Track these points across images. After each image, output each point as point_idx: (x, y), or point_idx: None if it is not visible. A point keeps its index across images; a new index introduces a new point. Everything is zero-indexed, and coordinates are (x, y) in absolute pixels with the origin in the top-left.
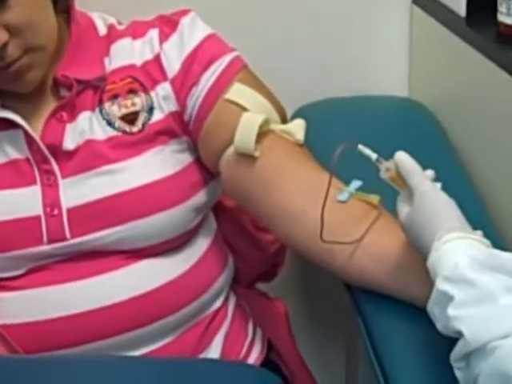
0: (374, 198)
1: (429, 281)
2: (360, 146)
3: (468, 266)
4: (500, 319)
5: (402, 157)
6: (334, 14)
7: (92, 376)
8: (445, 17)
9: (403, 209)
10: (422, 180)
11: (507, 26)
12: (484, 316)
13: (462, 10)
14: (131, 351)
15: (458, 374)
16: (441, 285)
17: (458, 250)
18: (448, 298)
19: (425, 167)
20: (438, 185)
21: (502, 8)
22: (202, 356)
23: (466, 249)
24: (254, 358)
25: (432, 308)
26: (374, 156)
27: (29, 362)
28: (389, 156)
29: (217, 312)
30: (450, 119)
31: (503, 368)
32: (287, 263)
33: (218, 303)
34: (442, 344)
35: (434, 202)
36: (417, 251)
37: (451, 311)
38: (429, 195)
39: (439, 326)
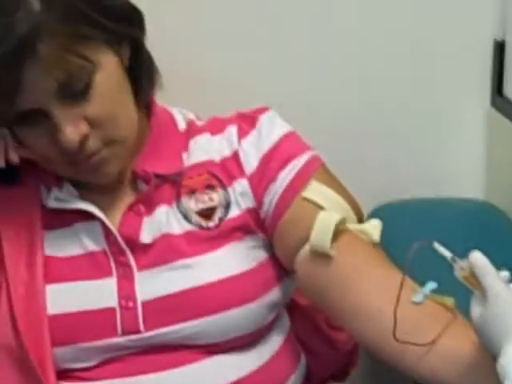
0: (449, 301)
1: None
2: (435, 244)
3: None
4: None
5: (477, 256)
6: (412, 120)
7: None
8: None
9: (476, 309)
10: (496, 281)
11: None
12: None
13: None
14: None
15: None
16: None
17: None
18: None
19: (500, 269)
20: None
21: None
22: None
23: None
24: None
25: None
26: (448, 255)
27: None
28: (464, 257)
29: None
30: None
31: None
32: (360, 363)
33: None
34: None
35: (507, 304)
36: (487, 352)
37: None
38: (502, 297)
39: None
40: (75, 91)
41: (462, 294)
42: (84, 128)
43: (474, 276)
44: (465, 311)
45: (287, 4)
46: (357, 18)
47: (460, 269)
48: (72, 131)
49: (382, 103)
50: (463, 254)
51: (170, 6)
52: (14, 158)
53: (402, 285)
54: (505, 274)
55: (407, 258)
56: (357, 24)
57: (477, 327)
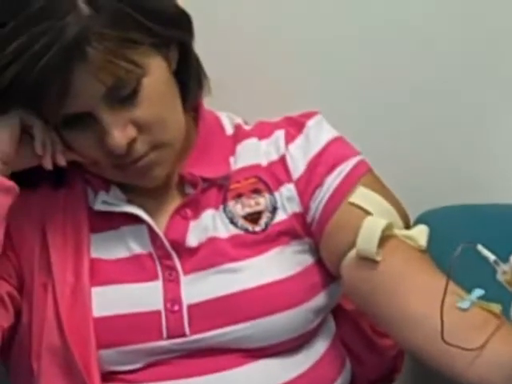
0: (496, 308)
1: None
2: (479, 246)
3: None
4: None
5: None
6: (471, 116)
7: None
8: None
9: None
10: None
11: None
12: None
13: None
14: None
15: None
16: None
17: None
18: None
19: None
20: None
21: None
22: None
23: None
24: None
25: None
26: (492, 257)
27: None
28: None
29: None
30: None
31: None
32: (405, 369)
33: None
34: None
35: None
36: None
37: None
38: None
39: None
40: (123, 95)
41: (504, 300)
42: (132, 132)
43: None
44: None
45: None
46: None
47: (502, 272)
48: (120, 135)
49: (426, 114)
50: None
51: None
52: (62, 161)
53: (446, 287)
54: None
55: (451, 260)
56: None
57: None
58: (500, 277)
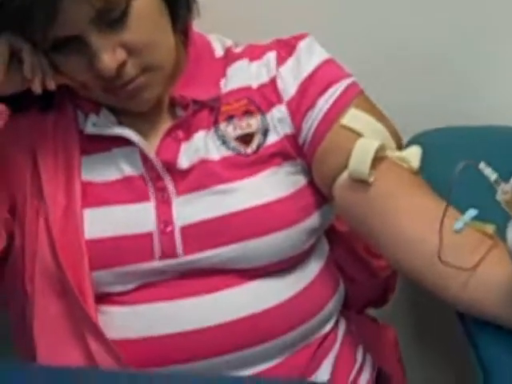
0: (490, 228)
1: None
2: (482, 164)
3: None
4: None
5: None
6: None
7: None
8: None
9: None
10: None
11: None
12: None
13: None
14: (240, 370)
15: None
16: None
17: None
18: None
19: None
20: None
21: None
22: (310, 379)
23: None
24: (363, 382)
25: None
26: (493, 176)
27: (130, 377)
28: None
29: (326, 336)
30: None
31: None
32: (397, 289)
33: (328, 327)
34: None
35: None
36: None
37: None
38: None
39: None
40: (113, 18)
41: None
42: (121, 55)
43: None
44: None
45: None
46: None
47: (503, 192)
48: (109, 58)
49: (424, 32)
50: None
51: None
52: (51, 84)
53: (446, 208)
54: None
55: (452, 178)
56: None
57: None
58: (499, 197)
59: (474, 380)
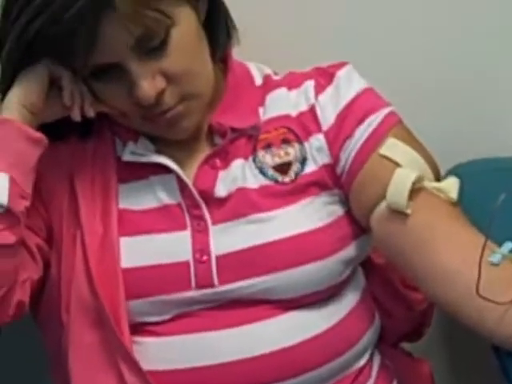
0: None
1: None
2: None
3: None
4: None
5: None
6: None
7: None
8: None
9: None
10: None
11: None
12: None
13: None
14: None
15: None
16: None
17: None
18: None
19: None
20: None
21: None
22: None
23: None
24: None
25: None
26: None
27: None
28: None
29: (361, 370)
30: None
31: None
32: (433, 323)
33: (363, 361)
34: None
35: None
36: None
37: None
38: None
39: None
40: (152, 46)
41: None
42: (160, 83)
43: None
44: None
45: None
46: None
47: None
48: (148, 86)
49: (459, 68)
50: None
51: None
52: (90, 112)
53: (485, 241)
54: None
55: (493, 211)
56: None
57: None
58: None
59: None
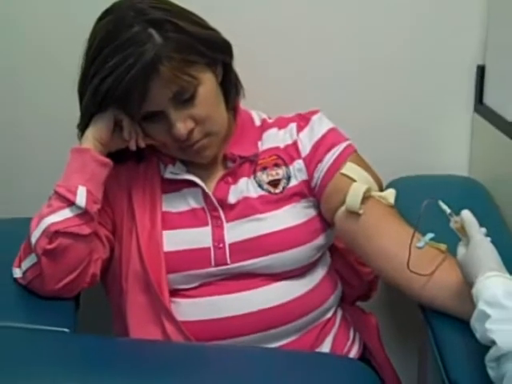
0: (443, 246)
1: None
2: (440, 202)
3: (502, 295)
4: None
5: (467, 213)
6: (419, 122)
7: (239, 357)
8: (497, 120)
9: (461, 250)
10: (478, 232)
11: None
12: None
13: (510, 117)
14: (269, 344)
15: (490, 372)
16: (482, 306)
17: (495, 284)
18: (486, 316)
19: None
20: (488, 238)
21: None
22: (316, 350)
23: (501, 283)
24: (353, 354)
25: (474, 323)
26: (448, 210)
27: (195, 347)
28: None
29: (328, 320)
30: (501, 194)
31: None
32: (378, 288)
33: (329, 314)
34: (482, 349)
35: (483, 248)
36: (466, 281)
37: (488, 325)
38: (480, 243)
39: (478, 335)
40: (184, 99)
41: (452, 241)
42: (190, 124)
43: (463, 228)
44: (454, 254)
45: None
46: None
47: (454, 222)
48: (182, 126)
49: (395, 111)
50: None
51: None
52: (142, 143)
53: (414, 232)
54: (483, 229)
55: (421, 210)
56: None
57: (460, 263)
58: (452, 225)
59: (430, 348)
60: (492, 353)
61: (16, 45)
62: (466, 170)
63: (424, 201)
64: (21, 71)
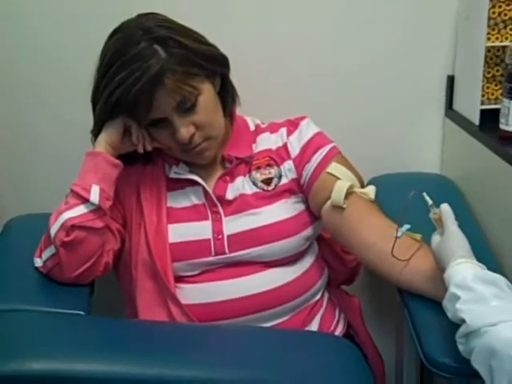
0: (418, 236)
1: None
2: (424, 194)
3: (471, 279)
4: (490, 314)
5: (446, 207)
6: (395, 128)
7: (237, 335)
8: (465, 124)
9: (436, 239)
10: (453, 223)
11: (506, 131)
12: (480, 311)
13: (476, 121)
14: (263, 324)
15: (460, 346)
16: (453, 289)
17: (465, 269)
18: (457, 298)
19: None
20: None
21: (502, 120)
22: (306, 329)
23: (470, 268)
24: (339, 331)
25: (446, 304)
26: (430, 202)
27: (198, 327)
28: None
29: (316, 302)
30: (469, 190)
31: (490, 345)
32: (360, 273)
33: (317, 297)
34: (452, 326)
35: (456, 238)
36: (439, 267)
37: (458, 306)
38: (454, 233)
39: (449, 315)
40: (187, 107)
41: (427, 231)
42: (192, 129)
43: (440, 219)
44: (428, 242)
45: None
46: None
47: (433, 213)
48: (185, 131)
49: (375, 116)
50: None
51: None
52: (149, 147)
53: (399, 224)
54: (457, 222)
55: (406, 202)
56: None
57: (434, 251)
58: (431, 215)
59: (406, 326)
60: (462, 330)
61: (41, 62)
62: (438, 169)
63: (410, 192)
64: (43, 84)
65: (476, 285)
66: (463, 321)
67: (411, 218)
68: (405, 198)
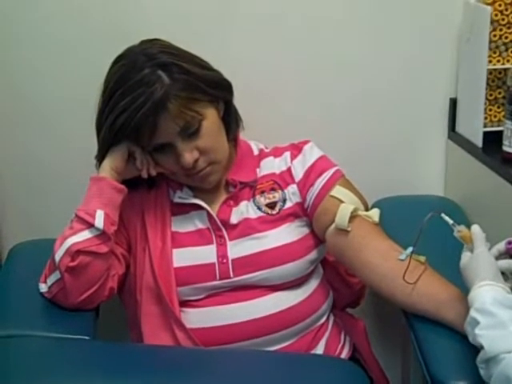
0: (422, 258)
1: (455, 309)
2: (443, 214)
3: (491, 303)
4: (508, 340)
5: (477, 228)
6: (400, 150)
7: (243, 359)
8: (468, 146)
9: (465, 255)
10: (482, 245)
11: (508, 153)
12: (498, 336)
13: (479, 143)
14: (269, 347)
15: (481, 371)
16: (473, 313)
17: (486, 292)
18: (476, 323)
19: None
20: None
21: (505, 141)
22: (312, 352)
23: (492, 292)
24: (344, 355)
25: (467, 327)
26: (450, 221)
27: (202, 351)
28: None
29: (321, 326)
30: (473, 212)
31: (505, 373)
32: (366, 296)
33: (322, 320)
34: (457, 347)
35: (482, 259)
36: (457, 287)
37: (477, 331)
38: (483, 254)
39: (470, 338)
40: (190, 132)
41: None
42: (196, 154)
43: (466, 236)
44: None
45: None
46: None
47: (458, 231)
48: (189, 156)
49: (379, 139)
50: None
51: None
52: (153, 172)
53: (413, 250)
54: (488, 243)
55: (423, 223)
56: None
57: (462, 269)
58: (456, 234)
59: (413, 351)
60: (481, 356)
61: (45, 88)
62: (441, 191)
63: (428, 214)
64: (47, 110)
65: (495, 309)
66: (482, 346)
67: (425, 239)
68: (421, 220)
